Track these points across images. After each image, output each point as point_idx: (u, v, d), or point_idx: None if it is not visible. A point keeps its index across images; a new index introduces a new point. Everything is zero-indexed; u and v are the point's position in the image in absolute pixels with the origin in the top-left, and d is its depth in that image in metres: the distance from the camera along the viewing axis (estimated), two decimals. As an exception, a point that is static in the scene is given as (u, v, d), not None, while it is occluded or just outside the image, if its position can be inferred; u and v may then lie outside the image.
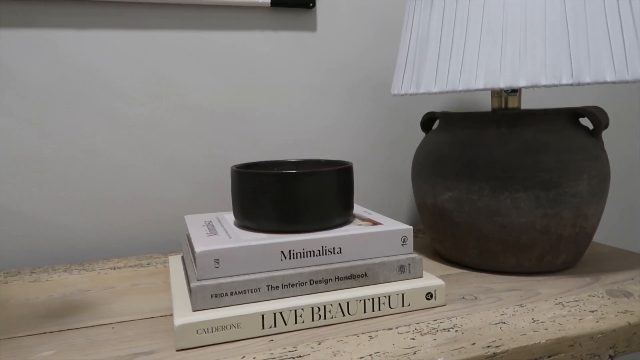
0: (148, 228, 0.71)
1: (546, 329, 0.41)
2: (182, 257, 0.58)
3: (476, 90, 0.49)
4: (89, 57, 0.66)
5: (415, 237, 0.74)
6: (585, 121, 0.93)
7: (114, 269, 0.62)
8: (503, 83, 0.47)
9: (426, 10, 0.54)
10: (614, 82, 0.46)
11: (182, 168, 0.71)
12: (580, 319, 0.43)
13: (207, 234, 0.48)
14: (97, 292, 0.54)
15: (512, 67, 0.47)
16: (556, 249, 0.54)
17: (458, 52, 0.50)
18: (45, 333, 0.44)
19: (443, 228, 0.58)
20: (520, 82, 0.47)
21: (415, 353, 0.38)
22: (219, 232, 0.48)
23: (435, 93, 0.52)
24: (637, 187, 1.00)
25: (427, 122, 0.67)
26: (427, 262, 0.61)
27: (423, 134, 0.82)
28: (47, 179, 0.66)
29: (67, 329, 0.44)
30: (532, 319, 0.44)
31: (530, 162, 0.52)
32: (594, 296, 0.48)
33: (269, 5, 0.70)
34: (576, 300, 0.47)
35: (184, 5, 0.69)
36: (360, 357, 0.37)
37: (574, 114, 0.56)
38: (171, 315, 0.47)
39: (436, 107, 0.83)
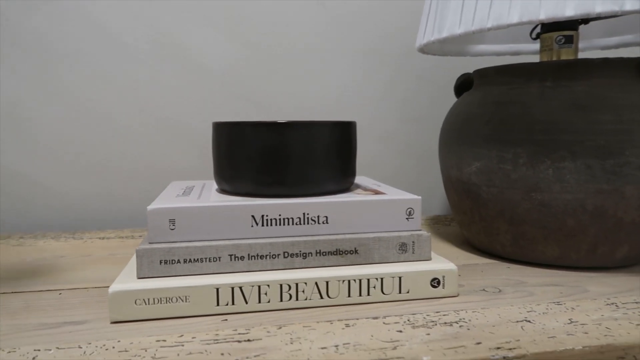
0: (150, 199, 0.65)
1: (586, 333, 0.30)
2: (167, 227, 0.52)
3: (509, 25, 0.38)
4: (88, 11, 0.62)
5: (447, 225, 0.63)
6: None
7: (103, 239, 0.57)
8: (544, 14, 0.37)
9: (454, -63, 0.44)
10: (699, 9, 0.34)
11: (187, 134, 0.65)
12: (637, 324, 0.32)
13: (177, 195, 0.41)
14: (70, 259, 0.49)
15: (556, -8, 0.36)
16: (615, 237, 0.42)
17: (488, -19, 0.40)
18: (-14, 294, 0.39)
19: (470, 208, 0.47)
20: (567, 12, 0.36)
21: (395, 348, 0.29)
22: (191, 195, 0.41)
23: (460, 35, 0.42)
24: None
25: (461, 85, 0.56)
26: (452, 250, 0.51)
27: (466, 110, 0.72)
28: (48, 141, 0.62)
29: (15, 292, 0.39)
30: (569, 319, 0.33)
31: (581, 122, 0.40)
32: (662, 298, 0.36)
33: (288, -43, 0.63)
34: (636, 302, 0.36)
35: (195, -42, 0.63)
36: (322, 348, 0.29)
37: (646, 67, 0.43)
38: (130, 286, 0.40)
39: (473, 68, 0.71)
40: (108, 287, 0.40)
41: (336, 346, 0.29)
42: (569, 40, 0.47)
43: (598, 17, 0.50)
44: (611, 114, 0.40)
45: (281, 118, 0.67)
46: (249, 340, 0.30)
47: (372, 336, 0.30)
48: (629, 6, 0.35)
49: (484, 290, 0.39)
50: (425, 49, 0.53)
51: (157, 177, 0.65)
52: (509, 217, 0.44)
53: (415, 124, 0.71)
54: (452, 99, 0.71)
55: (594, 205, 0.41)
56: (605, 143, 0.40)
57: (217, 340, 0.30)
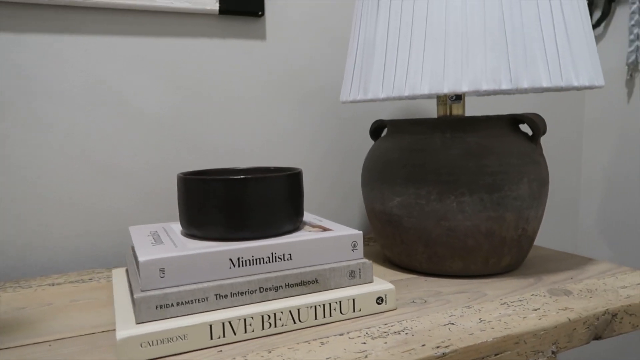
0: (90, 241, 0.67)
1: (492, 328, 0.42)
2: (127, 270, 0.56)
3: (421, 95, 0.50)
4: (24, 62, 0.63)
5: (366, 245, 0.74)
6: (524, 127, 0.97)
7: (53, 285, 0.58)
8: (447, 88, 0.49)
9: (372, 15, 0.55)
10: (549, 88, 0.48)
11: (126, 177, 0.69)
12: (524, 317, 0.44)
13: (152, 243, 0.46)
14: (32, 309, 0.50)
15: (454, 72, 0.48)
16: (500, 251, 0.55)
17: (403, 58, 0.51)
18: (-28, 354, 0.40)
19: (392, 234, 0.58)
20: (463, 87, 0.48)
21: (366, 357, 0.38)
22: (164, 242, 0.47)
23: (382, 99, 0.53)
24: (573, 190, 1.06)
25: (376, 130, 0.67)
26: (378, 268, 0.62)
27: (373, 144, 0.84)
28: (-22, 191, 0.62)
29: (6, 348, 0.41)
30: (479, 319, 0.44)
31: (473, 166, 0.53)
32: (536, 295, 0.50)
33: (217, 13, 0.70)
34: (520, 300, 0.49)
35: (127, 10, 0.67)
36: (311, 364, 0.37)
37: (514, 120, 0.58)
38: (114, 330, 0.45)
39: (385, 116, 0.84)
40: (93, 333, 0.44)
41: (321, 361, 0.37)
42: (459, 98, 0.61)
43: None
44: (494, 159, 0.53)
45: (215, 161, 0.73)
46: (249, 365, 0.37)
47: (345, 350, 0.39)
48: (504, 85, 0.48)
49: (413, 302, 0.49)
50: (348, 102, 0.64)
51: (96, 220, 0.67)
52: (425, 241, 0.56)
53: (338, 164, 0.81)
54: (367, 140, 0.83)
55: (486, 228, 0.54)
56: (492, 181, 0.53)
57: (222, 368, 0.37)
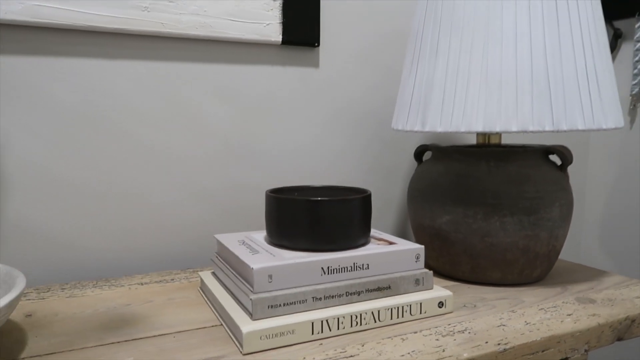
0: (165, 245, 0.75)
1: (538, 329, 0.52)
2: (213, 272, 0.64)
3: (476, 132, 0.59)
4: (113, 85, 0.70)
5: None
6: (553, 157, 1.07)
7: (142, 284, 0.66)
8: (499, 127, 0.58)
9: (431, 58, 0.64)
10: (584, 130, 0.58)
11: (199, 190, 0.77)
12: (561, 321, 0.54)
13: (250, 252, 0.55)
14: (137, 305, 0.58)
15: (506, 115, 0.58)
16: (533, 264, 0.65)
17: (461, 98, 0.60)
18: (113, 343, 0.48)
19: (439, 246, 0.67)
20: (513, 128, 0.57)
21: (444, 350, 0.47)
22: (259, 252, 0.55)
23: (440, 132, 0.62)
24: (578, 206, 1.16)
25: (420, 153, 0.77)
26: (423, 275, 0.71)
27: (410, 163, 0.93)
28: (70, 201, 0.69)
29: (134, 339, 0.49)
30: (525, 321, 0.54)
31: (514, 192, 0.62)
32: (566, 303, 0.60)
33: (280, 43, 0.78)
34: (554, 306, 0.58)
35: (204, 40, 0.75)
36: (402, 355, 0.46)
37: (546, 151, 0.68)
38: (220, 325, 0.53)
39: (423, 140, 0.93)
40: (204, 327, 0.52)
41: (409, 353, 0.46)
42: (498, 130, 0.70)
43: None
44: (531, 186, 0.63)
45: (277, 176, 0.81)
46: (351, 355, 0.46)
47: (424, 344, 0.48)
48: (547, 128, 0.57)
49: (464, 306, 0.59)
50: (400, 129, 0.73)
51: (171, 227, 0.75)
52: (469, 254, 0.65)
53: (367, 173, 0.90)
54: (405, 159, 0.92)
55: (523, 245, 0.63)
56: (529, 205, 0.62)
57: (329, 357, 0.45)
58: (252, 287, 0.50)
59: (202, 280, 0.63)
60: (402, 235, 0.94)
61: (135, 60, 0.71)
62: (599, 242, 1.14)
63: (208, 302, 0.60)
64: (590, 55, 0.59)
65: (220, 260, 0.61)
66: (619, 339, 0.55)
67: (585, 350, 0.53)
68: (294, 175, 0.83)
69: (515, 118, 0.57)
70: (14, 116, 0.66)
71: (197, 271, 0.72)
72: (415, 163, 0.93)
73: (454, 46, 0.61)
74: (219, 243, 0.62)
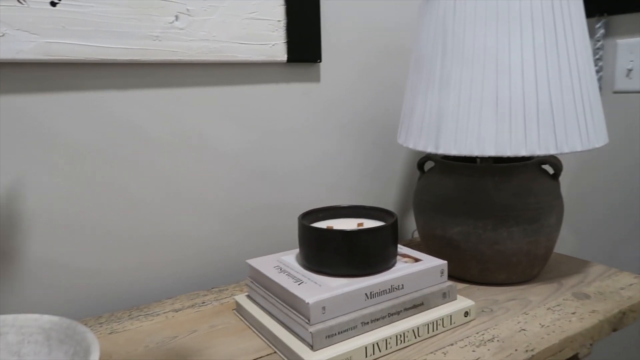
0: (183, 267, 0.77)
1: (553, 332, 0.60)
2: (248, 296, 0.68)
3: (489, 156, 0.65)
4: (126, 115, 0.70)
5: (406, 253, 0.90)
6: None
7: (176, 311, 0.69)
8: (510, 152, 0.64)
9: (442, 90, 0.68)
10: (581, 151, 0.65)
11: (210, 208, 0.79)
12: (569, 321, 0.62)
13: (294, 282, 0.59)
14: (184, 337, 0.61)
15: (517, 141, 0.64)
16: (533, 264, 0.73)
17: (474, 126, 0.65)
18: (184, 383, 0.52)
19: (450, 253, 0.74)
20: (522, 152, 0.64)
21: (484, 362, 0.54)
22: (304, 281, 0.59)
23: (454, 155, 0.68)
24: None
25: (423, 163, 0.82)
26: (433, 278, 0.77)
27: (406, 168, 0.98)
28: (92, 234, 0.70)
29: (202, 377, 0.53)
30: (540, 324, 0.62)
31: (520, 204, 0.70)
32: (567, 300, 0.68)
33: (285, 62, 0.80)
34: (559, 305, 0.67)
35: (213, 64, 0.75)
36: (450, 371, 0.52)
37: (540, 162, 0.75)
38: (274, 353, 0.57)
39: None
40: (260, 357, 0.56)
41: (455, 368, 0.53)
42: (497, 143, 0.76)
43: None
44: (533, 198, 0.70)
45: (286, 189, 0.84)
46: (407, 375, 0.52)
47: (464, 358, 0.55)
48: (552, 151, 0.64)
49: (482, 311, 0.66)
50: (411, 148, 0.77)
51: (189, 247, 0.77)
52: (478, 259, 0.72)
53: (369, 179, 0.95)
54: (405, 166, 0.97)
55: (526, 249, 0.71)
56: (532, 215, 0.70)
57: (388, 379, 0.51)
58: (309, 320, 0.54)
59: (238, 304, 0.66)
60: (401, 235, 1.00)
61: (147, 89, 0.71)
62: (569, 228, 1.25)
63: (252, 327, 0.63)
64: (585, 82, 0.66)
65: (258, 285, 0.65)
66: (614, 330, 0.65)
67: (590, 345, 0.62)
68: (302, 186, 0.87)
69: (524, 144, 0.64)
70: (30, 156, 0.65)
71: (223, 290, 0.75)
72: (413, 170, 0.99)
73: (466, 77, 0.66)
74: (253, 268, 0.66)
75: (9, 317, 0.54)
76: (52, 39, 0.62)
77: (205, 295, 0.74)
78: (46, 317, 0.53)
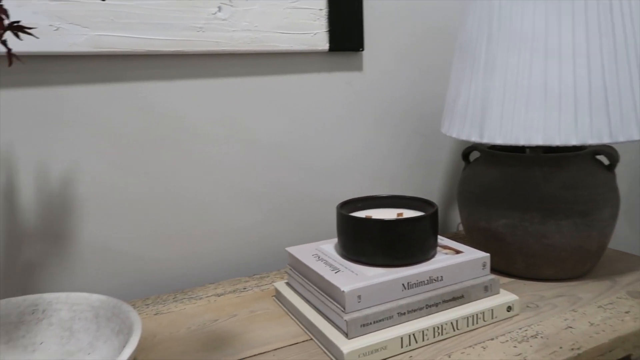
0: (226, 255, 0.79)
1: (604, 331, 0.56)
2: (287, 283, 0.68)
3: (536, 145, 0.62)
4: (171, 105, 0.72)
5: (450, 245, 0.87)
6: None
7: (218, 295, 0.70)
8: (559, 141, 0.61)
9: (487, 76, 0.66)
10: (638, 140, 0.61)
11: (253, 198, 0.80)
12: (622, 320, 0.59)
13: (331, 270, 0.59)
14: (224, 320, 0.63)
15: (566, 129, 0.60)
16: (585, 260, 0.69)
17: (520, 113, 0.63)
18: (221, 365, 0.53)
19: (495, 246, 0.72)
20: (572, 141, 0.61)
21: (525, 359, 0.51)
22: (341, 270, 0.59)
23: (499, 144, 0.65)
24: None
25: (468, 153, 0.80)
26: (477, 271, 0.75)
27: (450, 157, 0.96)
28: (141, 218, 0.73)
29: (241, 359, 0.54)
30: (589, 322, 0.59)
31: (570, 197, 0.66)
32: (620, 298, 0.64)
33: (327, 50, 0.79)
34: (611, 303, 0.63)
35: (255, 54, 0.76)
36: (488, 366, 0.51)
37: (594, 152, 0.71)
38: (310, 339, 0.57)
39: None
40: (296, 344, 0.56)
41: (494, 363, 0.51)
42: (547, 132, 0.73)
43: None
44: (585, 190, 0.67)
45: (328, 178, 0.84)
46: (443, 368, 0.51)
47: (504, 353, 0.53)
48: (605, 140, 0.60)
49: (527, 306, 0.63)
50: (454, 137, 0.75)
51: (232, 236, 0.79)
52: (524, 253, 0.69)
53: (412, 169, 0.93)
54: (447, 155, 0.95)
55: (577, 244, 0.67)
56: (584, 209, 0.66)
57: (423, 371, 0.50)
58: (344, 308, 0.54)
59: (277, 291, 0.67)
60: (445, 228, 0.98)
61: (192, 79, 0.73)
62: (626, 223, 1.18)
63: (289, 314, 0.64)
64: (644, 65, 0.62)
65: (296, 273, 0.65)
66: (672, 332, 0.60)
67: (645, 346, 0.58)
68: (344, 175, 0.86)
69: (575, 133, 0.60)
70: (83, 144, 0.68)
71: (264, 277, 0.76)
72: (459, 161, 0.97)
73: (512, 62, 0.63)
74: (292, 256, 0.66)
75: (62, 295, 0.57)
76: (101, 32, 0.65)
77: (247, 281, 0.75)
78: (95, 296, 0.56)
